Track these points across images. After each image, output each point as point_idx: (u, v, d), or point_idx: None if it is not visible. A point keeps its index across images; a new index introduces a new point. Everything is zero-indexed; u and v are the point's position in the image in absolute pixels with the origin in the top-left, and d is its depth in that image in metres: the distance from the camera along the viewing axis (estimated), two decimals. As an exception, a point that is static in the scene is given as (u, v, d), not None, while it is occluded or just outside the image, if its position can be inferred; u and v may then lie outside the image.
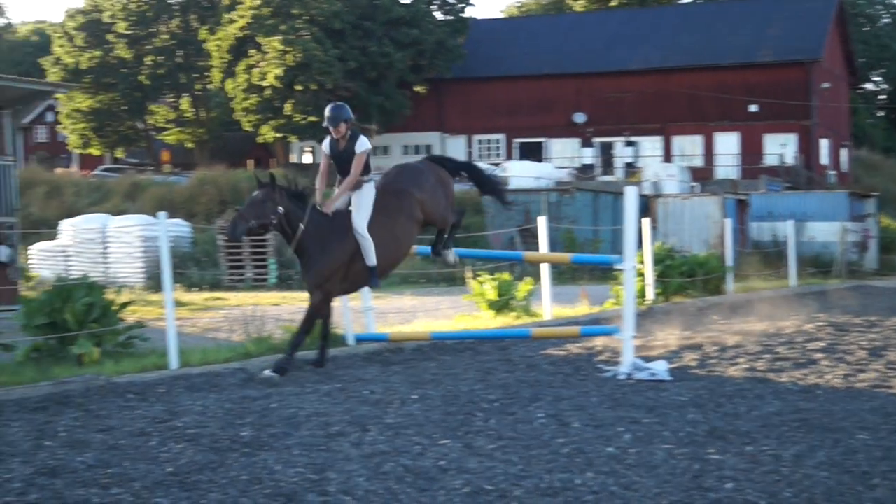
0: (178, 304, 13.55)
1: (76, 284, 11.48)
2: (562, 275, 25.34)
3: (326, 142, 10.66)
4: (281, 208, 10.11)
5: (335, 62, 53.60)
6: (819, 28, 56.50)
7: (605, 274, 22.32)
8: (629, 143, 58.16)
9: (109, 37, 63.20)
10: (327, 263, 10.30)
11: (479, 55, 60.03)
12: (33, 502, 5.84)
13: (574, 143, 59.29)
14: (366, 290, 12.66)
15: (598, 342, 12.62)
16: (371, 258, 10.41)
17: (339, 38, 54.64)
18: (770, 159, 54.04)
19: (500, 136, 60.90)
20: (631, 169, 54.28)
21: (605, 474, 6.33)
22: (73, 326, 10.98)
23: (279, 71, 53.63)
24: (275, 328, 12.65)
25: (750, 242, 31.81)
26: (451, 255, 11.64)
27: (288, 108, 54.77)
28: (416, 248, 13.96)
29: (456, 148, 59.55)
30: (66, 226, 28.42)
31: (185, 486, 6.13)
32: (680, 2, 68.24)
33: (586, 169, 55.92)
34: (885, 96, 79.21)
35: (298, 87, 54.03)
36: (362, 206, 10.42)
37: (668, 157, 56.67)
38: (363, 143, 10.46)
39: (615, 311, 15.47)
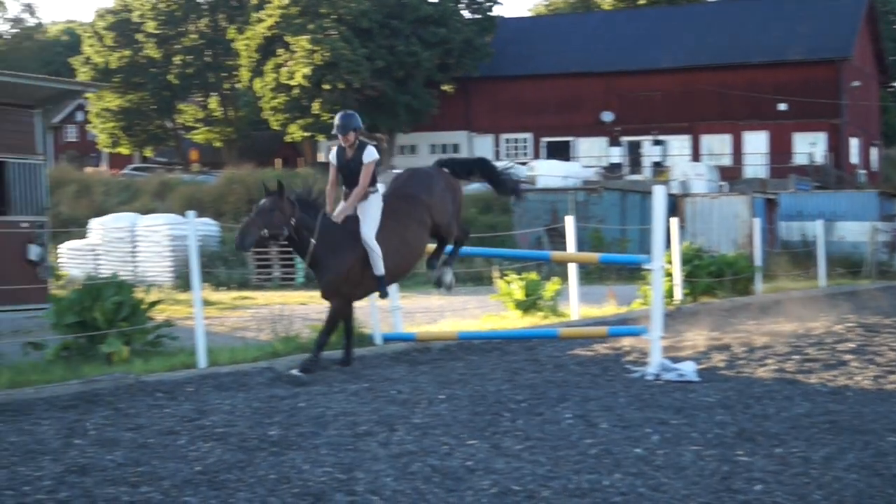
0: (207, 303, 13.62)
1: (105, 283, 11.54)
2: (589, 275, 25.29)
3: (333, 152, 10.59)
4: (293, 220, 10.06)
5: (363, 61, 53.70)
6: (849, 26, 56.10)
7: (633, 274, 22.26)
8: (657, 142, 57.94)
9: (139, 36, 63.57)
10: (342, 269, 10.26)
11: (506, 54, 59.96)
12: (63, 500, 5.87)
13: (602, 142, 59.12)
14: (393, 289, 12.70)
15: (626, 342, 12.58)
16: (379, 268, 10.35)
17: (366, 37, 54.73)
18: (799, 158, 53.69)
19: (528, 136, 60.81)
20: (659, 168, 54.08)
21: (634, 475, 6.31)
22: (102, 325, 11.04)
23: (307, 70, 53.78)
24: (302, 327, 12.67)
25: (779, 242, 31.63)
26: (449, 275, 11.37)
27: (316, 107, 54.91)
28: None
29: (483, 147, 59.51)
30: (96, 225, 28.59)
31: (214, 484, 6.15)
32: (709, 0, 67.88)
33: (614, 168, 55.78)
34: (915, 95, 78.50)
35: (326, 87, 54.16)
36: (369, 216, 10.36)
37: (696, 156, 56.43)
38: (371, 153, 10.37)
39: (643, 311, 15.42)
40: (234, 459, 6.73)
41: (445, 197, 10.97)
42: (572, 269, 15.86)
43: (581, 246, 17.34)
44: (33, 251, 17.66)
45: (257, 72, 57.51)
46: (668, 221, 13.15)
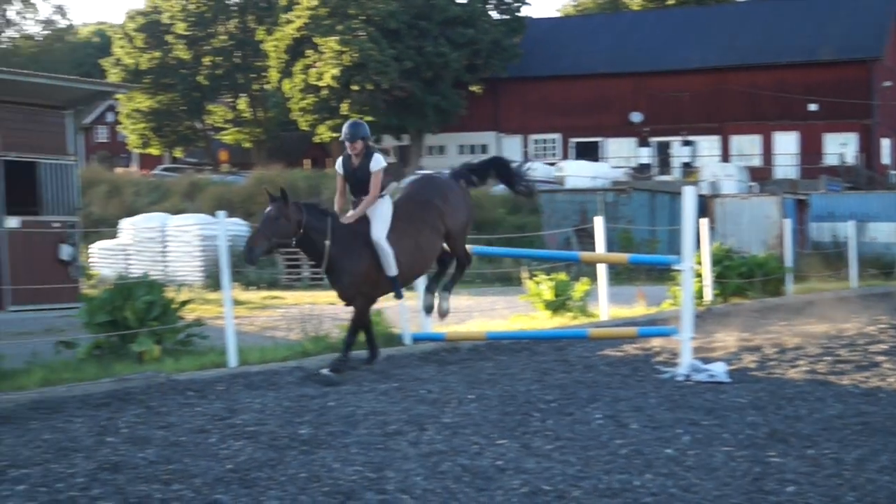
0: (236, 302, 13.68)
1: (137, 283, 11.62)
2: (618, 275, 25.21)
3: (339, 162, 10.53)
4: (301, 228, 9.96)
5: (391, 62, 53.79)
6: (880, 25, 55.70)
7: (662, 274, 22.18)
8: (686, 143, 57.73)
9: (169, 38, 63.95)
10: (361, 269, 10.21)
11: (535, 54, 59.90)
12: (96, 497, 5.91)
13: (631, 142, 58.98)
14: (422, 289, 12.70)
15: (656, 343, 12.53)
16: (391, 268, 10.29)
17: (395, 38, 54.82)
18: (830, 159, 53.38)
19: (556, 136, 60.73)
20: (688, 169, 53.89)
21: (664, 476, 6.28)
22: (133, 324, 11.11)
23: (336, 71, 53.93)
24: (332, 327, 12.70)
25: (809, 243, 31.44)
26: (447, 302, 11.23)
27: (344, 107, 55.04)
28: (471, 248, 14.00)
29: (512, 147, 59.47)
30: (126, 225, 28.76)
31: (245, 482, 6.17)
32: (739, 0, 67.61)
33: (643, 169, 55.60)
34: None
35: (355, 87, 54.30)
36: (380, 218, 10.31)
37: (725, 156, 56.20)
38: (378, 161, 10.31)
39: (673, 311, 15.36)
40: (265, 458, 6.75)
41: (460, 207, 10.93)
42: (601, 270, 15.83)
43: (610, 246, 17.31)
44: (65, 251, 17.81)
45: (286, 73, 57.73)
46: (697, 222, 13.10)
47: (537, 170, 38.21)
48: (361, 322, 10.58)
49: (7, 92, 17.37)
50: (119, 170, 55.25)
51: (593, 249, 16.55)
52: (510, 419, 8.00)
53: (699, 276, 17.30)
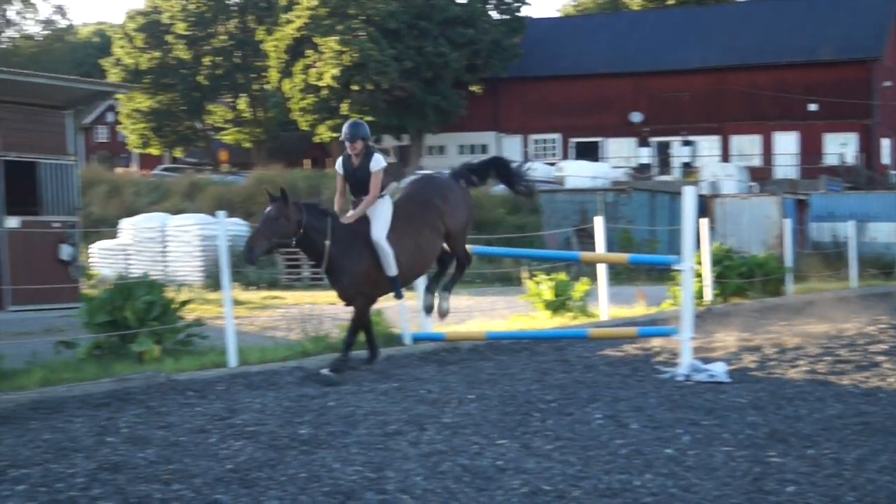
0: (236, 302, 13.68)
1: (137, 283, 11.63)
2: (618, 275, 25.21)
3: (339, 162, 10.53)
4: (301, 228, 9.93)
5: (391, 62, 53.80)
6: (880, 25, 55.71)
7: (662, 274, 22.18)
8: (686, 143, 57.74)
9: (169, 38, 63.97)
10: (361, 269, 10.19)
11: (535, 54, 59.91)
12: (96, 497, 5.91)
13: (631, 142, 58.99)
14: (422, 289, 12.69)
15: (656, 343, 12.54)
16: (391, 268, 10.27)
17: (395, 38, 54.84)
18: (830, 159, 53.38)
19: (557, 136, 60.74)
20: (688, 169, 53.90)
21: (665, 476, 6.28)
22: (133, 324, 11.12)
23: (336, 71, 53.94)
24: (332, 327, 12.70)
25: (809, 243, 31.44)
26: (447, 302, 11.21)
27: (344, 107, 55.05)
28: (471, 248, 13.99)
29: (512, 147, 59.46)
30: (126, 225, 28.77)
31: (245, 482, 6.17)
32: (739, 0, 67.60)
33: (643, 169, 55.61)
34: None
35: (355, 87, 54.31)
36: (379, 217, 10.29)
37: (725, 156, 56.20)
38: (378, 161, 10.31)
39: (673, 311, 15.37)
40: (265, 458, 6.76)
41: (460, 207, 10.92)
42: (601, 270, 15.83)
43: (610, 246, 17.33)
44: (65, 251, 17.81)
45: (286, 73, 57.74)
46: (697, 222, 13.10)
47: (537, 170, 38.21)
48: (361, 322, 10.57)
49: (7, 92, 17.37)
50: (119, 170, 55.26)
51: (593, 249, 16.56)
52: (510, 419, 8.00)
53: (699, 276, 17.30)
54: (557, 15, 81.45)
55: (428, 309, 11.23)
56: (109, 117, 76.28)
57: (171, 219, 28.75)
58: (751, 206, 30.67)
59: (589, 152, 58.40)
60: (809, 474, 6.32)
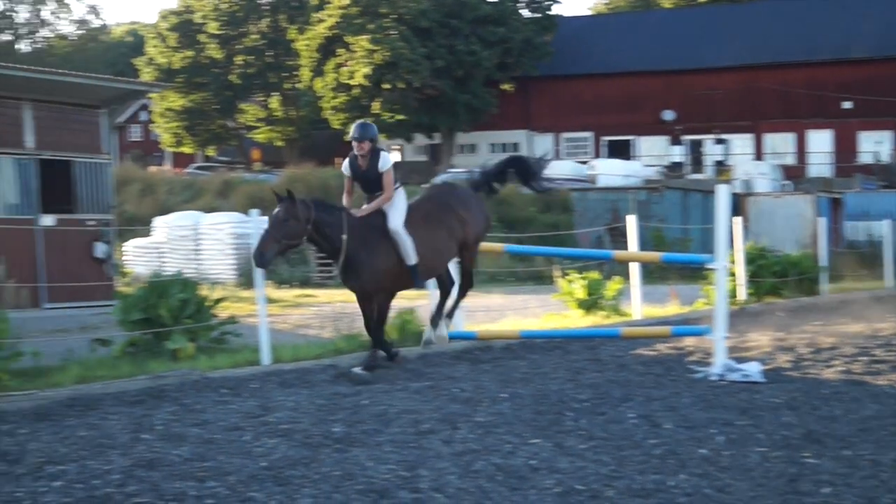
0: (269, 300, 13.72)
1: (170, 281, 11.69)
2: (650, 274, 25.10)
3: (346, 163, 10.49)
4: (310, 225, 9.80)
5: (422, 60, 53.81)
6: (917, 22, 55.18)
7: (695, 273, 22.06)
8: (719, 141, 57.40)
9: (201, 37, 64.26)
10: (381, 261, 10.12)
11: (566, 53, 59.74)
12: (132, 494, 5.95)
13: (663, 140, 58.72)
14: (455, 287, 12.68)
15: (689, 342, 12.48)
16: (410, 257, 10.21)
17: (426, 37, 54.83)
18: (864, 157, 52.93)
19: (588, 134, 60.56)
20: (721, 167, 53.58)
21: (699, 476, 6.26)
22: (168, 322, 11.19)
23: (367, 69, 54.00)
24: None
25: (844, 242, 31.19)
26: (445, 329, 11.02)
27: (375, 106, 55.12)
28: (503, 246, 13.99)
29: (543, 146, 59.28)
30: (160, 223, 28.92)
31: (279, 480, 6.20)
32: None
33: (675, 167, 55.35)
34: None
35: (386, 86, 54.34)
36: (395, 207, 10.27)
37: (759, 155, 55.84)
38: (386, 160, 10.30)
39: (706, 310, 15.27)
40: (299, 456, 6.78)
41: (479, 217, 10.90)
42: (634, 269, 15.77)
43: (642, 245, 17.23)
44: (100, 249, 17.94)
45: (318, 71, 57.86)
46: (731, 221, 13.03)
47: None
48: (385, 317, 10.51)
49: (42, 91, 17.52)
50: (152, 168, 55.52)
51: (625, 248, 16.50)
52: (543, 418, 7.99)
53: (733, 275, 17.20)
54: (589, 13, 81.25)
55: (427, 343, 11.00)
56: (143, 116, 76.71)
57: (204, 217, 28.87)
58: (784, 204, 30.48)
59: (621, 151, 58.19)
60: (845, 476, 6.27)
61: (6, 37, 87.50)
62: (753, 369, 10.06)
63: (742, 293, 17.82)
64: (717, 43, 57.76)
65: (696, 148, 58.14)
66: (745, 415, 8.12)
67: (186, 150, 68.05)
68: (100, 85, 18.45)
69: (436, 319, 10.99)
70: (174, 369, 10.11)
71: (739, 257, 17.88)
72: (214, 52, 63.99)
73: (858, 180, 43.05)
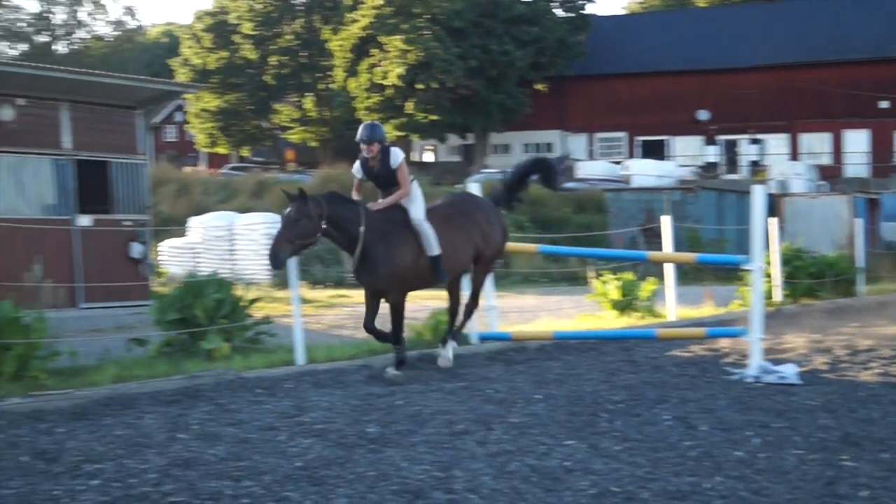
0: (304, 300, 13.77)
1: (206, 281, 11.75)
2: (685, 275, 24.98)
3: (357, 165, 10.37)
4: (323, 222, 9.69)
5: (456, 61, 53.82)
6: (954, 20, 54.64)
7: (730, 274, 21.94)
8: (754, 141, 57.06)
9: (236, 38, 64.60)
10: (399, 258, 9.98)
11: (600, 52, 59.59)
12: (168, 493, 5.98)
13: (697, 140, 58.44)
14: (489, 288, 12.68)
15: (724, 344, 12.41)
16: (433, 247, 10.09)
17: (459, 37, 54.85)
18: (902, 157, 52.49)
19: (622, 134, 60.37)
20: (756, 167, 53.26)
21: (735, 479, 6.22)
22: (203, 322, 11.24)
23: (401, 70, 54.09)
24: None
25: (881, 243, 30.92)
26: (451, 350, 10.68)
27: (409, 106, 55.21)
28: (537, 247, 13.96)
29: (577, 146, 59.24)
30: (195, 223, 29.06)
31: (314, 480, 6.22)
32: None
33: (710, 167, 55.06)
34: None
35: (419, 86, 54.40)
36: (414, 200, 10.17)
37: (794, 155, 55.46)
38: (397, 157, 10.19)
39: (741, 312, 15.18)
40: (334, 456, 6.80)
41: (497, 232, 10.85)
42: (669, 270, 15.70)
43: (677, 246, 17.15)
44: (136, 249, 18.06)
45: (351, 72, 58.01)
46: (767, 221, 12.94)
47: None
48: (401, 315, 10.34)
49: (79, 92, 17.66)
50: (187, 169, 55.85)
51: (660, 249, 16.43)
52: (577, 419, 7.97)
53: (768, 276, 17.09)
54: (623, 12, 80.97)
55: (444, 362, 10.72)
56: (178, 117, 77.19)
57: (238, 217, 28.99)
58: (821, 205, 30.26)
59: (655, 151, 57.98)
60: (884, 479, 6.22)
61: (44, 38, 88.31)
62: (790, 371, 9.99)
63: (778, 294, 17.69)
64: (752, 42, 57.41)
65: (730, 148, 57.83)
66: (782, 417, 8.06)
67: (221, 150, 68.43)
68: (136, 86, 18.57)
69: (446, 340, 10.84)
70: (209, 369, 10.16)
71: (775, 258, 17.76)
72: (249, 52, 64.31)
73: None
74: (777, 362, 10.50)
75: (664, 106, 58.36)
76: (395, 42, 54.45)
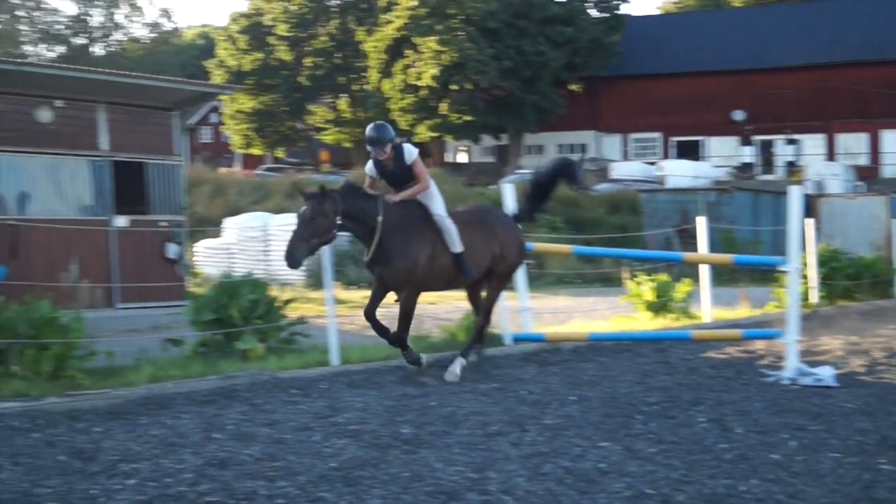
0: (338, 301, 13.80)
1: (241, 281, 11.80)
2: (720, 276, 24.84)
3: (369, 165, 10.18)
4: (338, 218, 9.56)
5: (490, 61, 53.79)
6: None
7: (765, 276, 21.80)
8: (790, 142, 56.65)
9: (270, 39, 64.87)
10: (415, 252, 9.85)
11: (634, 52, 59.37)
12: (204, 492, 6.02)
13: (733, 141, 58.10)
14: (522, 289, 12.68)
15: (760, 346, 12.33)
16: (456, 244, 9.98)
17: (493, 38, 54.80)
18: (941, 158, 51.95)
19: (657, 135, 60.11)
20: (792, 168, 52.88)
21: (771, 482, 6.18)
22: (238, 322, 11.29)
23: (435, 71, 54.11)
24: (432, 326, 12.74)
25: (919, 244, 30.57)
26: (459, 367, 10.20)
27: (443, 107, 55.23)
28: (571, 248, 13.92)
29: (611, 147, 59.06)
30: (230, 224, 29.19)
31: (349, 481, 6.23)
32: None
33: (745, 168, 54.72)
34: None
35: (454, 87, 54.40)
36: (433, 197, 10.07)
37: (831, 155, 55.02)
38: (411, 152, 10.04)
39: (777, 314, 15.08)
40: (368, 456, 6.81)
41: (514, 247, 10.74)
42: (704, 271, 15.61)
43: (712, 247, 17.05)
44: (172, 249, 18.16)
45: (386, 73, 58.11)
46: (803, 222, 12.85)
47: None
48: (411, 313, 10.25)
49: (116, 94, 17.79)
50: (222, 170, 56.12)
51: (695, 250, 16.33)
52: (612, 421, 7.95)
53: (805, 277, 16.95)
54: (657, 12, 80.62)
55: (451, 377, 10.28)
56: (213, 118, 77.61)
57: (273, 218, 29.07)
58: (858, 206, 29.98)
59: (690, 151, 57.69)
60: (922, 483, 6.16)
61: (81, 40, 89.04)
62: (826, 373, 9.92)
63: (814, 296, 17.55)
64: (788, 41, 57.01)
65: (766, 148, 57.45)
66: (818, 420, 8.00)
67: (256, 151, 68.74)
68: (172, 87, 18.68)
69: (466, 352, 10.66)
70: (244, 369, 10.20)
71: (812, 260, 17.62)
72: (284, 54, 64.56)
73: (934, 181, 42.24)
74: (813, 364, 10.43)
75: (699, 106, 58.08)
76: (430, 43, 54.49)
